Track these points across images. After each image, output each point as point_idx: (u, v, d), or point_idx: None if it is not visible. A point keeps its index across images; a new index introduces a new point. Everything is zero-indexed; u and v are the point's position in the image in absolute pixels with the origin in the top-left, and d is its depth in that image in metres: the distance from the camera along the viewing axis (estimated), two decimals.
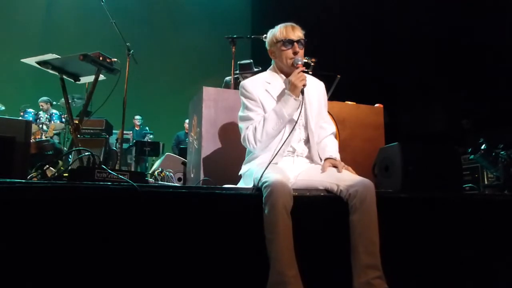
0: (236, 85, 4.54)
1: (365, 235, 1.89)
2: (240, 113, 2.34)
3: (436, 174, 2.51)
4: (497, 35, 4.93)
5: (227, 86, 5.05)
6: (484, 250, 2.39)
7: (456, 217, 2.38)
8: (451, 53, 5.53)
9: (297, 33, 2.27)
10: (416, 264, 2.22)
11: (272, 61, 2.41)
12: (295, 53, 2.24)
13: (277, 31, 2.30)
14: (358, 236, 1.91)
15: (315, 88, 2.45)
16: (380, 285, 1.82)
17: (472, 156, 3.73)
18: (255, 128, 2.20)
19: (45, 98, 7.04)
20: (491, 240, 2.41)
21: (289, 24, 2.30)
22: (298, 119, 2.16)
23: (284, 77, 2.32)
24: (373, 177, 2.63)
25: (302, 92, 2.15)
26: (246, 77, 4.94)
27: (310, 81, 2.44)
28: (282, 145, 2.17)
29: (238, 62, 4.75)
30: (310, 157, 2.35)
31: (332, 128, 2.48)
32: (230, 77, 5.23)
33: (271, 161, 2.06)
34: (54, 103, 7.23)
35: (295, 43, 2.24)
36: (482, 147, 3.54)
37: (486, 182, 4.30)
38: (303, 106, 2.27)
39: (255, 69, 5.15)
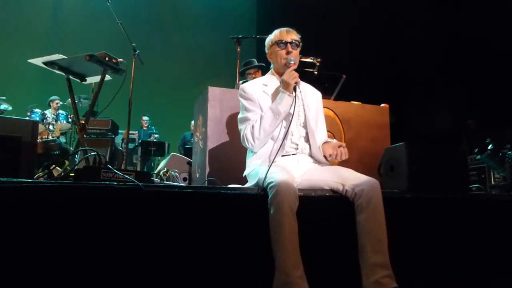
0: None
1: (372, 234, 1.90)
2: (239, 116, 2.43)
3: (442, 174, 2.49)
4: (505, 35, 4.90)
5: None
6: (491, 250, 2.37)
7: (462, 217, 2.37)
8: (458, 53, 5.50)
9: (291, 36, 2.41)
10: (422, 264, 2.21)
11: (271, 65, 2.53)
12: (288, 53, 2.37)
13: (273, 35, 2.46)
14: (365, 235, 1.91)
15: (313, 95, 2.56)
16: (389, 283, 1.82)
17: (478, 157, 3.71)
18: (253, 127, 2.28)
19: (57, 97, 7.11)
20: (497, 241, 2.40)
21: (284, 28, 2.45)
22: (293, 112, 2.24)
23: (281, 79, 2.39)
24: (379, 177, 2.63)
25: (295, 89, 2.25)
26: (249, 73, 5.05)
27: (307, 88, 2.57)
28: (282, 142, 2.23)
29: (243, 62, 4.85)
30: (312, 155, 2.38)
31: (325, 135, 2.54)
32: (240, 81, 5.34)
33: (274, 159, 2.09)
34: (61, 103, 7.27)
35: (288, 44, 2.38)
36: (489, 148, 3.52)
37: (492, 183, 4.27)
38: (300, 105, 2.39)
39: (257, 64, 5.28)
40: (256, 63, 5.35)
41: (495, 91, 5.01)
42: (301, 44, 2.44)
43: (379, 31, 6.59)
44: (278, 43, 2.38)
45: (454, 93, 5.58)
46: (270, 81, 2.46)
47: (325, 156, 2.31)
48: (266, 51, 2.51)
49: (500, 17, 5.00)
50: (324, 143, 2.37)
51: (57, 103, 7.08)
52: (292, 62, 2.32)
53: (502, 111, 4.88)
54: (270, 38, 2.46)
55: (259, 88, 2.41)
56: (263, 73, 5.49)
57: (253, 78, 5.17)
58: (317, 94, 2.60)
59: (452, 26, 5.54)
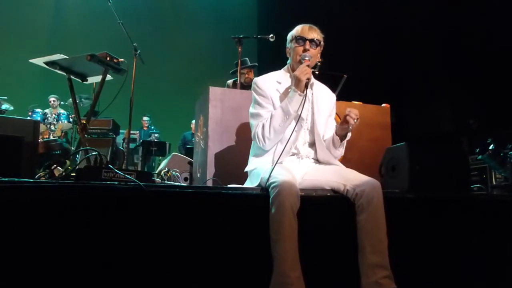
0: (235, 86, 4.59)
1: (372, 235, 1.89)
2: (251, 110, 2.37)
3: (443, 174, 2.49)
4: (506, 34, 4.89)
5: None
6: (492, 251, 2.37)
7: (463, 217, 2.36)
8: (459, 52, 5.49)
9: (312, 33, 2.31)
10: (423, 264, 2.21)
11: (288, 61, 2.45)
12: (305, 50, 2.28)
13: (294, 30, 2.37)
14: (365, 236, 1.90)
15: (327, 97, 2.49)
16: (388, 284, 1.82)
17: (480, 157, 3.69)
18: (263, 126, 2.22)
19: (54, 95, 7.18)
20: (499, 241, 2.39)
21: (307, 24, 2.35)
22: (301, 113, 2.16)
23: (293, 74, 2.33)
24: (380, 178, 2.62)
25: (307, 86, 2.16)
26: (242, 73, 5.05)
27: (322, 90, 2.49)
28: (287, 142, 2.16)
29: (234, 62, 4.82)
30: (315, 159, 2.36)
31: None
32: (230, 80, 5.37)
33: (277, 161, 2.08)
34: (62, 103, 7.30)
35: (307, 41, 2.29)
36: (490, 147, 3.51)
37: (494, 183, 4.26)
38: (309, 108, 2.33)
39: (250, 64, 5.29)
40: (249, 63, 5.36)
41: (497, 91, 4.99)
42: (322, 44, 2.36)
43: (380, 30, 6.58)
44: (297, 38, 2.31)
45: (455, 92, 5.57)
46: (283, 78, 2.38)
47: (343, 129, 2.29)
48: (287, 45, 2.42)
49: (500, 16, 4.98)
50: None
51: (53, 101, 7.15)
52: (306, 59, 2.24)
53: (504, 110, 4.87)
54: (291, 33, 2.39)
55: (273, 86, 2.34)
56: (255, 73, 5.54)
57: (246, 78, 5.23)
58: (332, 97, 2.52)
59: (453, 24, 5.53)
